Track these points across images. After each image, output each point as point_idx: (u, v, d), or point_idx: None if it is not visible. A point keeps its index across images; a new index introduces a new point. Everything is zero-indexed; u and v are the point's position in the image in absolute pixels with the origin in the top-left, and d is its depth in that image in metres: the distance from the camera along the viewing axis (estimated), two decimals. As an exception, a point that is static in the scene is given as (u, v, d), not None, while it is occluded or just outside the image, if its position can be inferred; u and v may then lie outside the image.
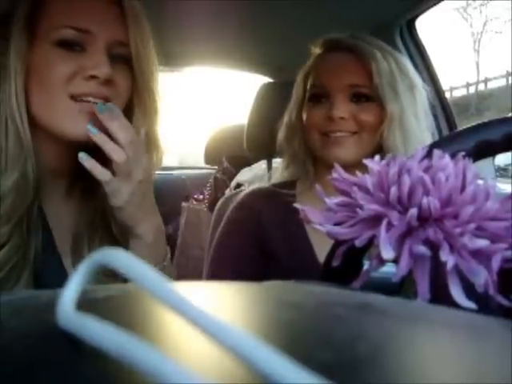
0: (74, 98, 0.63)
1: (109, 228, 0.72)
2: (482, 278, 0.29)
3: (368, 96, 0.85)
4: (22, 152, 0.63)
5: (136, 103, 0.70)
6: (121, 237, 0.71)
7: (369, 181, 0.34)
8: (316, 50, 0.94)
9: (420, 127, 0.87)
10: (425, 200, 0.31)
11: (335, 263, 0.35)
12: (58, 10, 0.64)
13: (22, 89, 0.64)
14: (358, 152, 0.84)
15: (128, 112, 0.68)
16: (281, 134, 0.97)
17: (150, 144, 0.70)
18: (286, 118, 0.96)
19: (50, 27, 0.63)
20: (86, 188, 0.73)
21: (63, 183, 0.73)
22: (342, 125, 0.85)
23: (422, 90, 0.91)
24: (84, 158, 0.62)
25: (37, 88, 0.64)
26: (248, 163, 1.68)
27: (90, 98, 0.63)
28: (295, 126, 0.93)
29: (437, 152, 0.36)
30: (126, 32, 0.66)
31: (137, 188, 0.64)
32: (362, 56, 0.85)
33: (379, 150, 0.85)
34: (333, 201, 0.35)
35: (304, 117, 0.90)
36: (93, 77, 0.63)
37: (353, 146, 0.85)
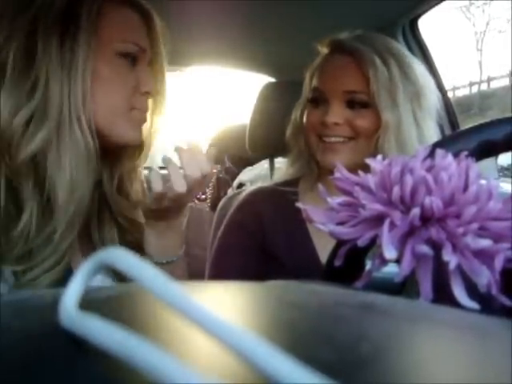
0: (133, 109, 0.68)
1: (119, 225, 0.75)
2: (485, 277, 0.29)
3: (365, 103, 0.84)
4: (88, 165, 0.63)
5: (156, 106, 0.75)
6: (131, 228, 0.75)
7: (371, 180, 0.34)
8: (323, 50, 0.93)
9: (421, 135, 0.85)
10: (427, 200, 0.31)
11: (337, 263, 0.35)
12: (119, 24, 0.66)
13: (88, 89, 0.62)
14: (352, 158, 0.83)
15: None
16: (288, 131, 0.97)
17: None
18: (293, 116, 0.96)
19: (113, 37, 0.65)
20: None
21: None
22: (337, 130, 0.84)
23: (430, 97, 0.88)
24: (168, 162, 0.64)
25: (99, 94, 0.64)
26: (250, 163, 1.68)
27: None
28: (299, 126, 0.93)
29: (439, 151, 0.36)
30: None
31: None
32: (361, 61, 0.84)
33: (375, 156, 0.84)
34: (335, 200, 0.35)
35: (304, 118, 0.90)
36: (146, 92, 0.69)
37: (347, 151, 0.84)
